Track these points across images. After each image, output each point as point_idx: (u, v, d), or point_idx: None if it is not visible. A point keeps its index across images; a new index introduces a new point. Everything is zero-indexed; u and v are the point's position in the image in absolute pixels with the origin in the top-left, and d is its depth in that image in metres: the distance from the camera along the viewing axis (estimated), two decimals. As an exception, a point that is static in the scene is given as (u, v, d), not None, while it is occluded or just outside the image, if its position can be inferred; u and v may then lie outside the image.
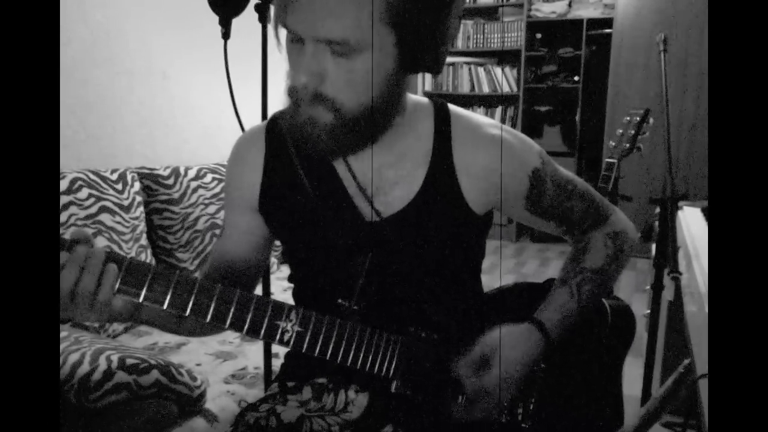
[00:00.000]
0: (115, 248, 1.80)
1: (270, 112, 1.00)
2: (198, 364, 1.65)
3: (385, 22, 0.74)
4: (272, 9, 0.80)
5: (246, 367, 1.65)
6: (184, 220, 2.06)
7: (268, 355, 1.50)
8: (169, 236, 2.04)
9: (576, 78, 4.76)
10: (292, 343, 0.81)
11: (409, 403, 0.89)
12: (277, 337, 0.80)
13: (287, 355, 1.08)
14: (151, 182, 2.01)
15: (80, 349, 1.31)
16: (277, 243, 1.08)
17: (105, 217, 1.79)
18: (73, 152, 2.02)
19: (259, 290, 0.98)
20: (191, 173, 2.13)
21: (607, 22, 4.47)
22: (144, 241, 1.94)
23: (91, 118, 2.09)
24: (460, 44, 5.05)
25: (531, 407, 0.96)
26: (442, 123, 0.91)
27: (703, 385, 0.86)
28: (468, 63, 5.08)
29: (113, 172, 1.90)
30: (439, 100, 0.94)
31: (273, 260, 2.46)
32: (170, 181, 2.05)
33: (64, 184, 1.71)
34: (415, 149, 0.90)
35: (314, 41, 0.75)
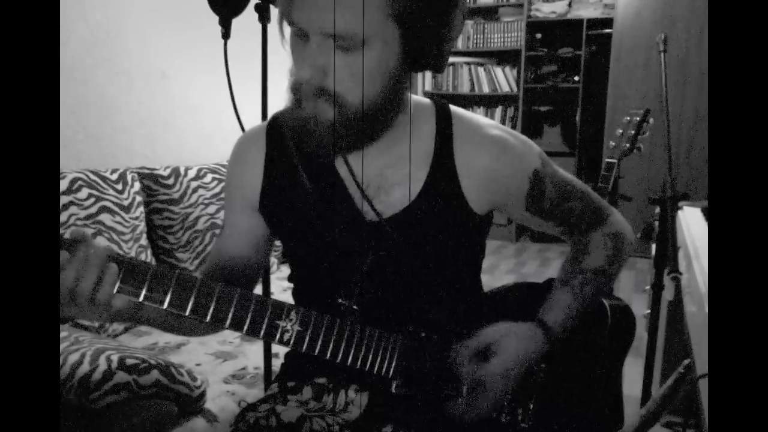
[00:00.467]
0: (115, 248, 1.80)
1: (270, 112, 1.00)
2: (198, 364, 1.65)
3: (390, 16, 0.74)
4: (277, 5, 0.80)
5: (246, 367, 1.65)
6: (184, 220, 2.06)
7: (268, 355, 1.50)
8: (169, 236, 2.03)
9: (576, 78, 4.76)
10: (292, 342, 0.81)
11: (409, 403, 0.89)
12: (277, 336, 0.80)
13: (287, 355, 1.08)
14: (151, 182, 2.01)
15: (80, 349, 1.31)
16: (278, 243, 1.08)
17: (105, 217, 1.79)
18: (73, 152, 2.02)
19: (259, 290, 0.98)
20: (191, 173, 2.13)
21: (607, 22, 4.47)
22: (144, 241, 1.94)
23: (90, 118, 2.09)
24: (460, 44, 5.04)
25: (531, 407, 0.96)
26: (444, 124, 0.91)
27: (703, 385, 0.86)
28: (468, 63, 5.08)
29: (113, 172, 1.90)
30: (441, 101, 0.94)
31: (273, 260, 2.46)
32: (170, 181, 2.05)
33: (64, 184, 1.71)
34: (416, 150, 0.90)
35: (319, 35, 0.75)
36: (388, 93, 0.81)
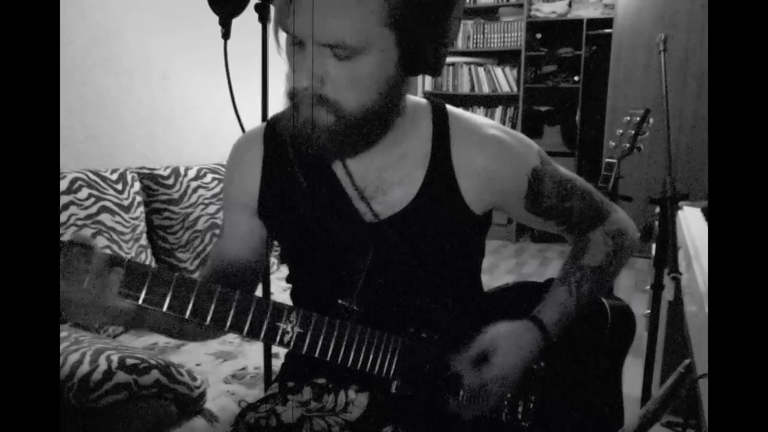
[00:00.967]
0: (115, 248, 1.80)
1: (270, 113, 1.00)
2: (198, 364, 1.65)
3: (386, 24, 0.74)
4: (272, 11, 0.80)
5: (246, 367, 1.65)
6: (184, 220, 2.06)
7: (268, 355, 1.50)
8: (169, 236, 2.03)
9: (576, 78, 4.76)
10: (292, 344, 0.81)
11: (409, 404, 0.89)
12: (278, 338, 0.80)
13: (287, 356, 1.08)
14: (151, 182, 2.01)
15: (80, 349, 1.31)
16: (277, 243, 1.08)
17: (105, 217, 1.79)
18: (73, 152, 2.02)
19: (259, 290, 0.98)
20: (191, 173, 2.13)
21: (607, 22, 4.47)
22: (144, 241, 1.94)
23: (90, 118, 2.08)
24: (460, 44, 5.05)
25: (531, 406, 0.96)
26: (441, 124, 0.91)
27: (703, 385, 0.86)
28: (468, 63, 5.08)
29: (113, 172, 1.89)
30: (438, 102, 0.94)
31: (273, 260, 2.46)
32: (170, 181, 2.05)
33: (64, 184, 1.71)
34: (414, 150, 0.90)
35: (315, 44, 0.75)
36: (385, 98, 0.81)
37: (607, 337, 1.02)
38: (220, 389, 1.52)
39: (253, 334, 0.79)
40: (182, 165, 2.16)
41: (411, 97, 0.92)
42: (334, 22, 0.72)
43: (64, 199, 1.69)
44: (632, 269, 4.05)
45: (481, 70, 5.05)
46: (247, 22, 1.40)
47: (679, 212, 1.95)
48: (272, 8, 0.80)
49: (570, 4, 4.76)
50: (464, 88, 5.13)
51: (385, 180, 0.90)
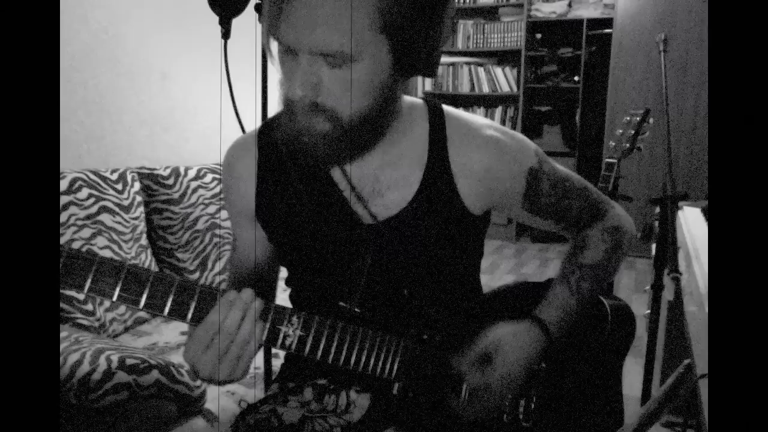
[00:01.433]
0: (115, 248, 1.80)
1: (270, 112, 1.00)
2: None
3: (378, 30, 0.74)
4: (261, 21, 0.79)
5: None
6: (184, 220, 2.06)
7: (268, 356, 1.50)
8: (169, 236, 2.03)
9: (576, 78, 4.76)
10: (294, 347, 0.81)
11: (410, 405, 0.89)
12: (279, 341, 0.80)
13: (288, 356, 1.08)
14: (151, 182, 2.01)
15: (80, 349, 1.31)
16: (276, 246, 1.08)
17: (105, 217, 1.79)
18: (73, 152, 2.02)
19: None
20: (191, 173, 2.13)
21: (607, 22, 4.47)
22: (144, 241, 1.94)
23: (90, 118, 2.09)
24: (460, 44, 5.05)
25: (532, 406, 0.96)
26: (437, 125, 0.91)
27: (703, 385, 0.86)
28: (468, 63, 5.07)
29: (113, 172, 1.89)
30: (434, 102, 0.94)
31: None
32: (170, 181, 2.05)
33: (64, 184, 1.71)
34: (410, 152, 0.90)
35: (308, 53, 0.74)
36: (380, 103, 0.81)
37: (607, 337, 1.02)
38: (220, 389, 1.52)
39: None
40: (182, 165, 2.16)
41: (407, 98, 0.91)
42: (326, 31, 0.72)
43: (64, 199, 1.69)
44: (632, 269, 4.05)
45: (481, 70, 5.05)
46: (247, 22, 1.40)
47: (679, 212, 1.95)
48: (263, 17, 0.80)
49: (570, 4, 4.76)
50: (464, 88, 5.12)
51: (382, 182, 0.89)
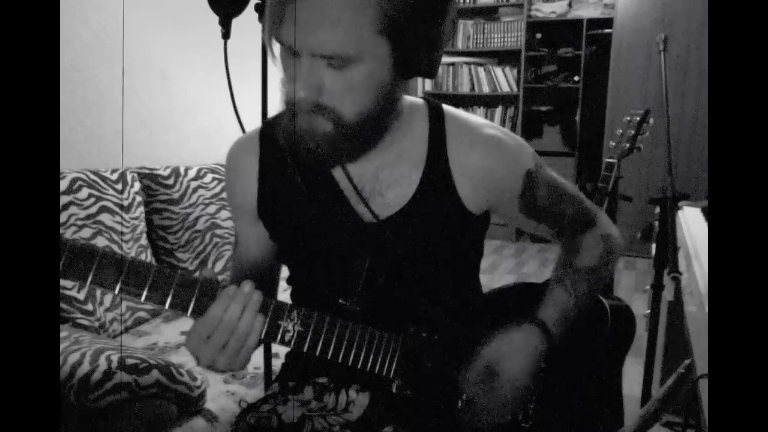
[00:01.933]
0: (115, 248, 1.80)
1: (270, 113, 1.01)
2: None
3: (380, 33, 0.74)
4: (262, 21, 0.80)
5: (246, 367, 1.65)
6: (184, 220, 2.06)
7: (268, 355, 1.50)
8: (169, 236, 2.03)
9: (576, 78, 4.75)
10: (293, 343, 0.81)
11: (409, 404, 0.89)
12: (279, 336, 0.80)
13: (288, 355, 1.08)
14: (151, 182, 2.01)
15: (80, 349, 1.31)
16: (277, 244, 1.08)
17: (105, 217, 1.79)
18: (73, 152, 2.02)
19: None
20: (191, 173, 2.13)
21: (607, 22, 4.47)
22: (144, 241, 1.94)
23: (90, 118, 2.08)
24: (460, 44, 5.05)
25: (532, 407, 0.96)
26: (437, 124, 0.91)
27: (703, 385, 0.86)
28: (468, 63, 5.07)
29: (113, 172, 1.89)
30: (434, 101, 0.94)
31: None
32: (170, 181, 2.05)
33: (64, 184, 1.71)
34: (410, 151, 0.90)
35: (311, 55, 0.75)
36: (381, 103, 0.81)
37: (607, 338, 1.02)
38: (220, 389, 1.52)
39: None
40: (182, 165, 2.16)
41: (407, 98, 0.92)
42: (329, 34, 0.72)
43: (64, 199, 1.69)
44: (632, 269, 4.05)
45: (481, 70, 5.05)
46: (247, 22, 1.40)
47: (679, 212, 1.95)
48: (264, 18, 0.80)
49: (570, 4, 4.76)
50: (464, 88, 5.12)
51: (382, 181, 0.90)
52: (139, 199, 1.94)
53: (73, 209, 1.70)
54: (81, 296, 1.66)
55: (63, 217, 1.67)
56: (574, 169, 4.74)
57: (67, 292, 1.63)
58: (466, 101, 5.23)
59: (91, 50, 2.07)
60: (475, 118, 0.95)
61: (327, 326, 0.83)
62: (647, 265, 3.90)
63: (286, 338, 0.81)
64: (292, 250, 0.98)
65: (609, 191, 1.72)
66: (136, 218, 1.91)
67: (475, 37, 5.03)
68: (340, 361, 0.84)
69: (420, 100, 0.94)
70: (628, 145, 1.77)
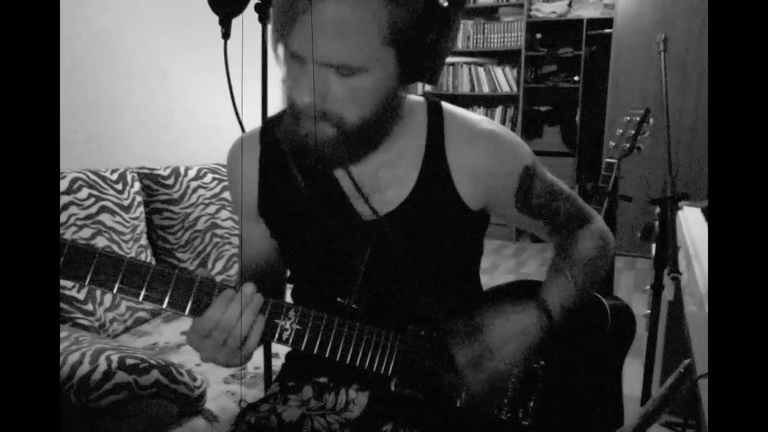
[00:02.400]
0: (115, 248, 1.80)
1: (270, 112, 1.01)
2: (198, 364, 1.64)
3: (387, 43, 0.75)
4: (269, 27, 0.80)
5: (246, 367, 1.65)
6: (184, 220, 2.06)
7: (268, 355, 1.50)
8: (169, 236, 2.04)
9: (576, 78, 4.76)
10: (290, 341, 0.82)
11: (408, 402, 0.90)
12: (276, 335, 0.81)
13: (288, 355, 1.08)
14: (151, 182, 2.01)
15: (80, 349, 1.31)
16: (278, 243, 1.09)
17: (105, 217, 1.79)
18: (73, 152, 2.02)
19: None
20: (191, 173, 2.13)
21: (607, 22, 4.47)
22: (144, 241, 1.94)
23: (90, 118, 2.08)
24: (460, 44, 5.04)
25: (532, 405, 0.96)
26: (435, 120, 0.92)
27: (703, 385, 0.86)
28: (468, 63, 5.07)
29: (113, 172, 1.89)
30: (433, 99, 0.95)
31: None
32: (170, 181, 2.05)
33: (64, 184, 1.71)
34: (409, 148, 0.90)
35: (318, 64, 0.75)
36: (385, 108, 0.82)
37: (607, 338, 1.02)
38: (220, 389, 1.52)
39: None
40: (182, 165, 2.16)
41: (408, 97, 0.92)
42: (338, 44, 0.73)
43: (64, 199, 1.69)
44: (632, 269, 4.05)
45: (481, 70, 5.05)
46: (247, 22, 1.40)
47: (679, 212, 1.95)
48: (270, 23, 0.80)
49: (570, 4, 4.76)
50: (464, 88, 5.13)
51: (382, 179, 0.90)
52: (139, 199, 1.94)
53: (73, 209, 1.70)
54: (81, 296, 1.66)
55: (63, 217, 1.67)
56: (574, 169, 4.74)
57: (67, 292, 1.63)
58: (466, 101, 5.23)
59: (91, 50, 2.07)
60: (474, 115, 0.95)
61: (324, 324, 0.83)
62: (647, 265, 3.90)
63: (284, 337, 0.81)
64: (292, 248, 0.99)
65: (609, 191, 1.72)
66: (136, 218, 1.91)
67: (475, 37, 5.03)
68: (338, 359, 0.84)
69: (420, 98, 0.95)
70: (628, 145, 1.77)
